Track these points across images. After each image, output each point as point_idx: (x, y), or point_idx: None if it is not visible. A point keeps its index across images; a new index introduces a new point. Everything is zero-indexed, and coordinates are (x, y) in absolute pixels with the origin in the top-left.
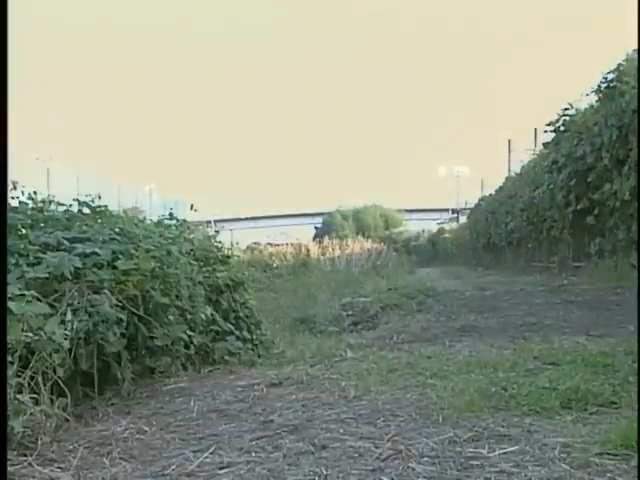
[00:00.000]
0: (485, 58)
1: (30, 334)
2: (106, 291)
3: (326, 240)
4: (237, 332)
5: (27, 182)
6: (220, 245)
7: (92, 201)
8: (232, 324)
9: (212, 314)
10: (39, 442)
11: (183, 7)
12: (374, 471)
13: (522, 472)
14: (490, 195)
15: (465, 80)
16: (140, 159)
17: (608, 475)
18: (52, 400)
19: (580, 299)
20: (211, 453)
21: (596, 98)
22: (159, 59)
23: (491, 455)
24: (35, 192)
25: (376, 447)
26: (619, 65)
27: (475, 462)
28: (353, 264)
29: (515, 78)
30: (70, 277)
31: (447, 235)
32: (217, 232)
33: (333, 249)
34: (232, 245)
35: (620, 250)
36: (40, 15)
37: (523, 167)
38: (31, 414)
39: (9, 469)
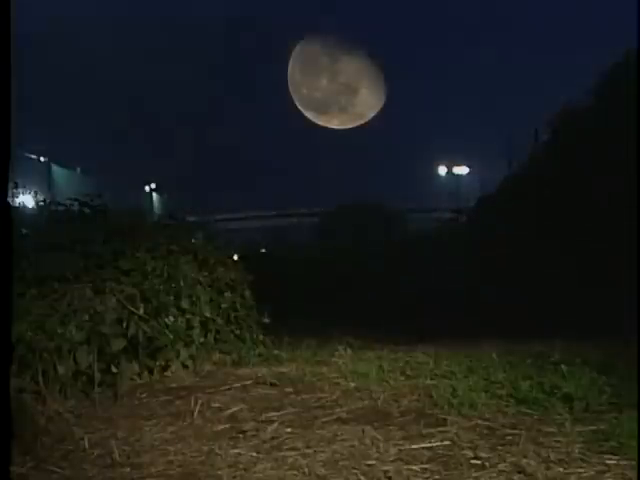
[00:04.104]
0: (484, 57)
1: (30, 333)
2: (107, 291)
3: None
4: (237, 332)
5: (28, 182)
6: (220, 245)
7: (92, 201)
8: (232, 324)
9: (212, 314)
10: (39, 442)
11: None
12: (374, 471)
13: (522, 471)
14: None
15: (464, 79)
16: (140, 159)
17: (608, 474)
18: (52, 400)
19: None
20: (211, 453)
21: (596, 98)
22: (159, 56)
23: (491, 455)
24: (36, 192)
25: (376, 447)
26: (619, 65)
27: (476, 462)
28: None
29: (515, 77)
30: (70, 277)
31: None
32: (217, 232)
33: None
34: (232, 245)
35: None
36: (41, 15)
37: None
38: (32, 414)
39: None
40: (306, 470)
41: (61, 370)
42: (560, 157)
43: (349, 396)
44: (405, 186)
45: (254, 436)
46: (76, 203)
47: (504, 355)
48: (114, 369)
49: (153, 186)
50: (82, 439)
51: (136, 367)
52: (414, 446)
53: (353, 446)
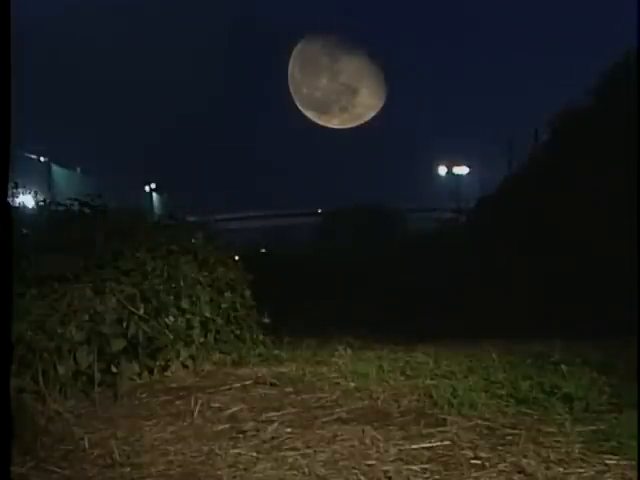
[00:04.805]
0: (484, 57)
1: (30, 333)
2: (107, 291)
3: None
4: (237, 332)
5: (28, 182)
6: (220, 245)
7: (92, 201)
8: (232, 324)
9: (212, 314)
10: (39, 442)
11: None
12: (374, 471)
13: (522, 471)
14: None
15: (464, 79)
16: (140, 159)
17: (608, 474)
18: (53, 400)
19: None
20: (211, 453)
21: (596, 98)
22: (160, 56)
23: (491, 455)
24: (36, 192)
25: (376, 447)
26: (619, 65)
27: (476, 462)
28: None
29: (515, 77)
30: (70, 277)
31: None
32: (217, 232)
33: None
34: (232, 245)
35: None
36: (41, 14)
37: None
38: (32, 414)
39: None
40: (306, 470)
41: (61, 370)
42: (560, 157)
43: (349, 396)
44: (405, 186)
45: (254, 436)
46: (76, 203)
47: (504, 355)
48: (114, 369)
49: (153, 186)
50: (82, 439)
51: (136, 367)
52: (414, 446)
53: (353, 446)
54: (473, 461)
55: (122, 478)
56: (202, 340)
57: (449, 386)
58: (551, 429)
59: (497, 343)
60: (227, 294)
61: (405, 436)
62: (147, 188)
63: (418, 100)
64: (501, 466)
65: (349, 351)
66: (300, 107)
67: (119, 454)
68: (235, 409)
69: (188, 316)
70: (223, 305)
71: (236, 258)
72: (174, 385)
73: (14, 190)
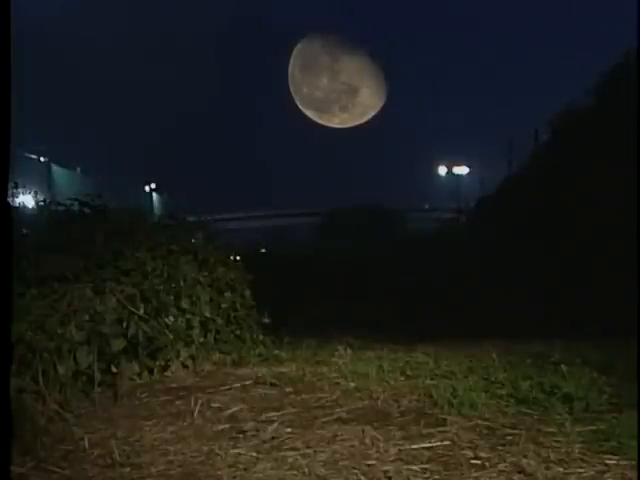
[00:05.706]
0: (484, 57)
1: (30, 333)
2: (107, 291)
3: None
4: (237, 332)
5: (28, 182)
6: (220, 245)
7: (92, 201)
8: (232, 324)
9: (212, 314)
10: (39, 442)
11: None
12: (374, 471)
13: (522, 471)
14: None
15: (463, 79)
16: (140, 159)
17: (608, 474)
18: (52, 400)
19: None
20: (211, 453)
21: (596, 98)
22: (160, 55)
23: (491, 455)
24: (36, 192)
25: (376, 447)
26: (619, 65)
27: (476, 462)
28: None
29: (516, 77)
30: (70, 277)
31: None
32: (217, 232)
33: None
34: (232, 245)
35: None
36: (40, 14)
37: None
38: (32, 414)
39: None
40: (306, 470)
41: (61, 370)
42: (560, 157)
43: (349, 396)
44: (405, 186)
45: (254, 436)
46: (76, 203)
47: (504, 355)
48: (114, 369)
49: (153, 186)
50: (82, 439)
51: (136, 367)
52: (414, 446)
53: (353, 446)
54: (473, 461)
55: (122, 478)
56: (202, 340)
57: (449, 386)
58: (551, 429)
59: (497, 343)
60: (227, 294)
61: (405, 436)
62: (147, 188)
63: (418, 100)
64: (501, 466)
65: (349, 351)
66: (300, 107)
67: (119, 454)
68: (235, 409)
69: (188, 316)
70: (223, 305)
71: (237, 258)
72: (174, 385)
73: (14, 190)
